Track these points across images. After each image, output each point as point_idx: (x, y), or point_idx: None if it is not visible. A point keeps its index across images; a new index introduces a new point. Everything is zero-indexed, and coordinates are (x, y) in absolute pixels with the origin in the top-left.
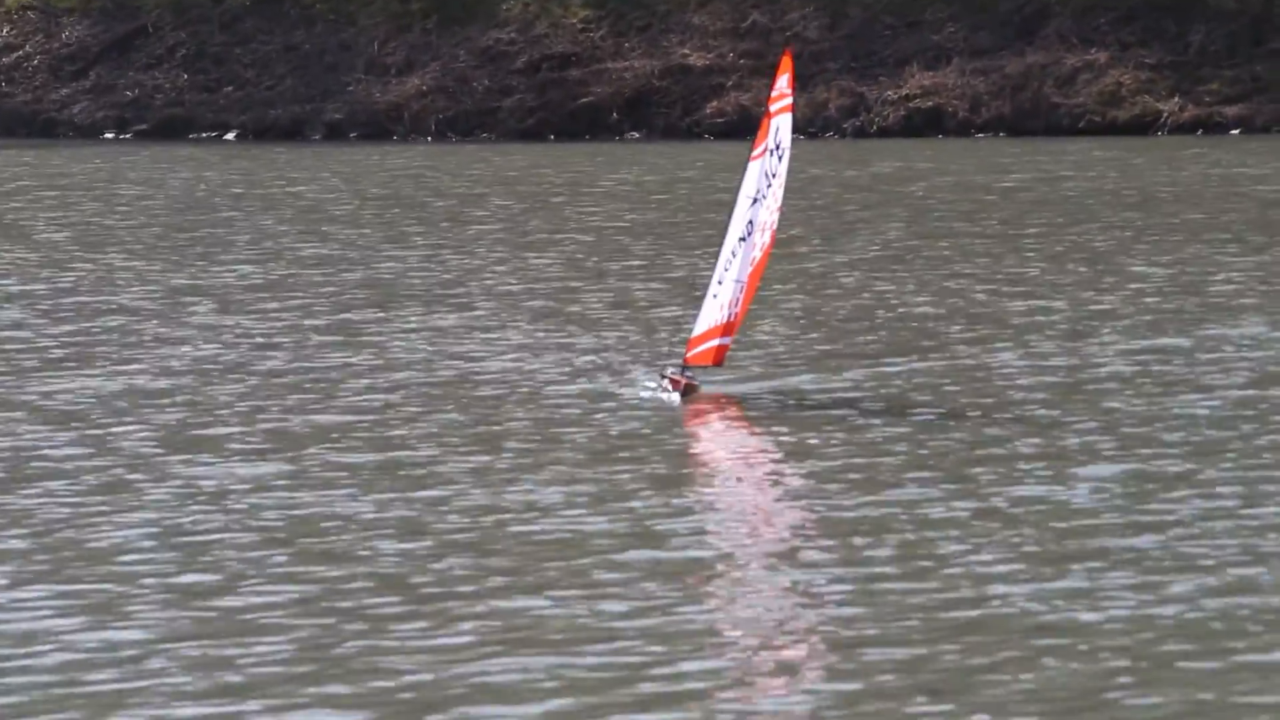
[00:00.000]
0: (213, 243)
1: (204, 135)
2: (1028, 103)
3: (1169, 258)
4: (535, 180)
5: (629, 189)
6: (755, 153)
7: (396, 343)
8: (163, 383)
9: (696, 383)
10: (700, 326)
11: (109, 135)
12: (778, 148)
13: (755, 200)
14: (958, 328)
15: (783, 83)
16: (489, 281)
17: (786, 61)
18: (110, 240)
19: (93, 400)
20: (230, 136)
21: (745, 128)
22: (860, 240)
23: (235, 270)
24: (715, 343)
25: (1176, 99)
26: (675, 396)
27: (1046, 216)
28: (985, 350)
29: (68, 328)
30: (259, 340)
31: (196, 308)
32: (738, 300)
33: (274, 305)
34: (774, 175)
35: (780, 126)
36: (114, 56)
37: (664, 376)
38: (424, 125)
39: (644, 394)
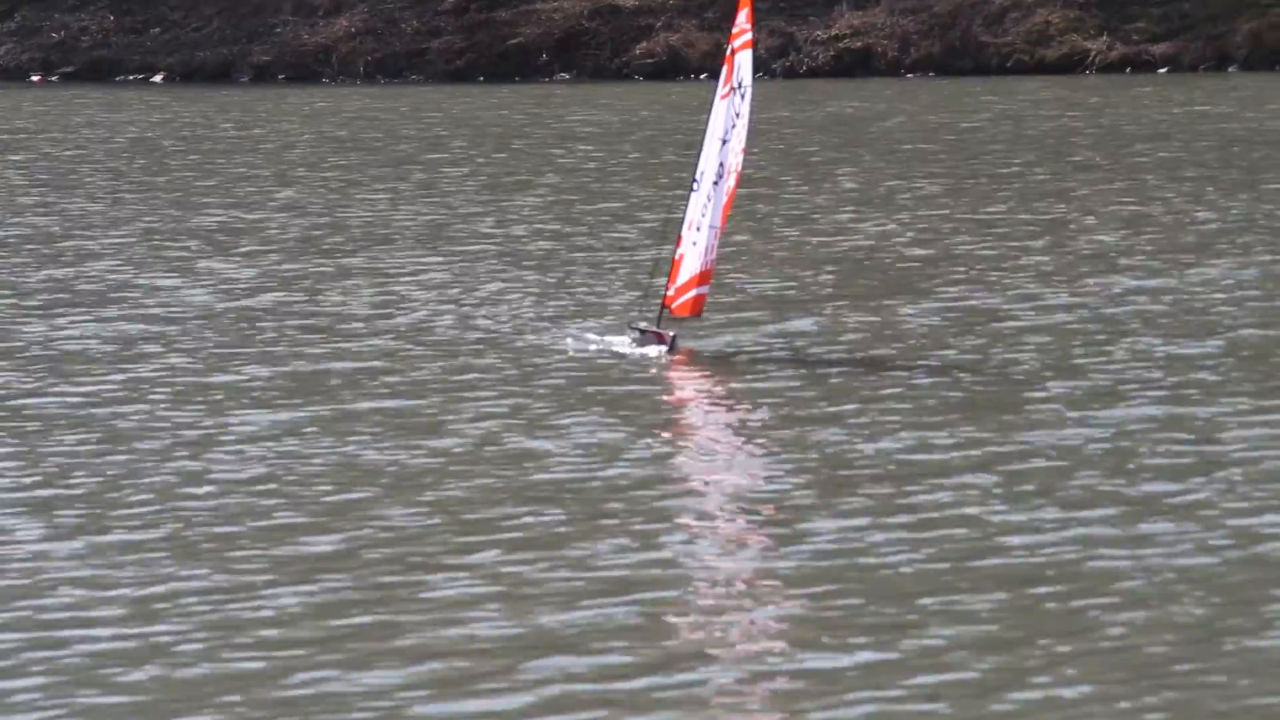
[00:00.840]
0: (183, 189)
1: (130, 78)
2: (957, 42)
3: (1149, 196)
4: (501, 122)
5: (595, 130)
6: (722, 92)
7: (379, 290)
8: (158, 329)
9: (674, 334)
10: (683, 276)
11: (34, 78)
12: (740, 85)
13: (724, 141)
14: (947, 271)
15: (742, 18)
16: (472, 228)
17: None
18: (76, 185)
19: (77, 346)
20: (157, 79)
21: (675, 68)
22: (834, 183)
23: (214, 216)
24: (694, 292)
25: (1104, 37)
26: (663, 349)
27: (1023, 157)
28: (973, 293)
29: (47, 272)
30: (242, 287)
31: (182, 253)
32: (712, 247)
33: (256, 251)
34: (738, 115)
35: (742, 64)
36: None
37: (641, 331)
38: (352, 67)
39: (625, 350)
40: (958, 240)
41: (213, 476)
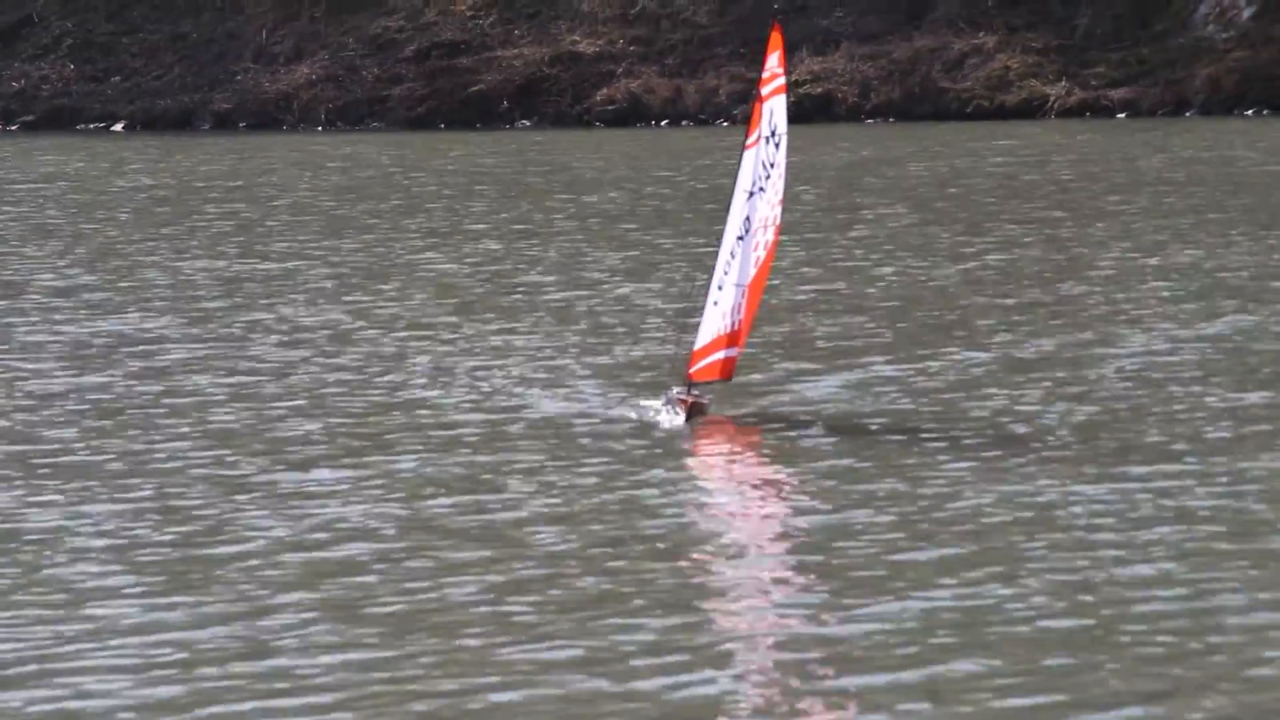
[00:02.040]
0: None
1: (91, 126)
2: (916, 88)
3: (1185, 242)
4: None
5: (606, 177)
6: (749, 141)
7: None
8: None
9: (705, 400)
10: (703, 338)
11: None
12: (773, 134)
13: (751, 194)
14: (980, 319)
15: (773, 61)
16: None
17: (776, 37)
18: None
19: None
20: (118, 127)
21: (636, 115)
22: (859, 230)
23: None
24: (721, 355)
25: (1063, 83)
26: (680, 418)
27: (1045, 203)
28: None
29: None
30: (247, 336)
31: (185, 303)
32: (740, 306)
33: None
34: (772, 165)
35: (774, 110)
36: None
37: (670, 399)
38: (313, 115)
39: (649, 416)
40: (984, 288)
41: (238, 534)
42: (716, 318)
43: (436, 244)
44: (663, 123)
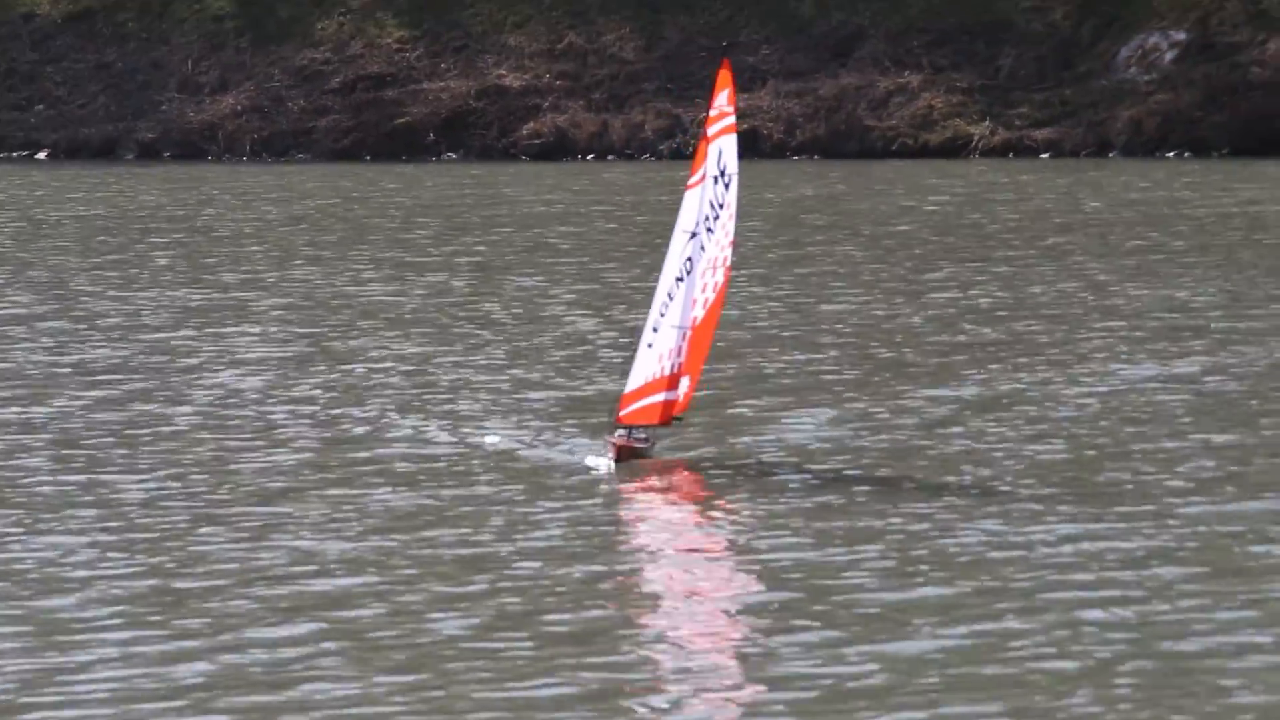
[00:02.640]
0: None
1: (14, 155)
2: (842, 125)
3: (1138, 281)
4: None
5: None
6: (692, 180)
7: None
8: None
9: (643, 444)
10: (634, 381)
11: None
12: (723, 174)
13: (694, 234)
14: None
15: (722, 100)
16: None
17: (725, 75)
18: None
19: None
20: (41, 156)
21: (561, 149)
22: (810, 267)
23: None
24: (661, 398)
25: (987, 123)
26: (609, 461)
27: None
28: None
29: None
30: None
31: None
32: (681, 349)
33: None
34: (721, 205)
35: (724, 150)
36: None
37: (607, 441)
38: (239, 145)
39: (578, 457)
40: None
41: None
42: (651, 360)
43: (387, 276)
44: (589, 157)
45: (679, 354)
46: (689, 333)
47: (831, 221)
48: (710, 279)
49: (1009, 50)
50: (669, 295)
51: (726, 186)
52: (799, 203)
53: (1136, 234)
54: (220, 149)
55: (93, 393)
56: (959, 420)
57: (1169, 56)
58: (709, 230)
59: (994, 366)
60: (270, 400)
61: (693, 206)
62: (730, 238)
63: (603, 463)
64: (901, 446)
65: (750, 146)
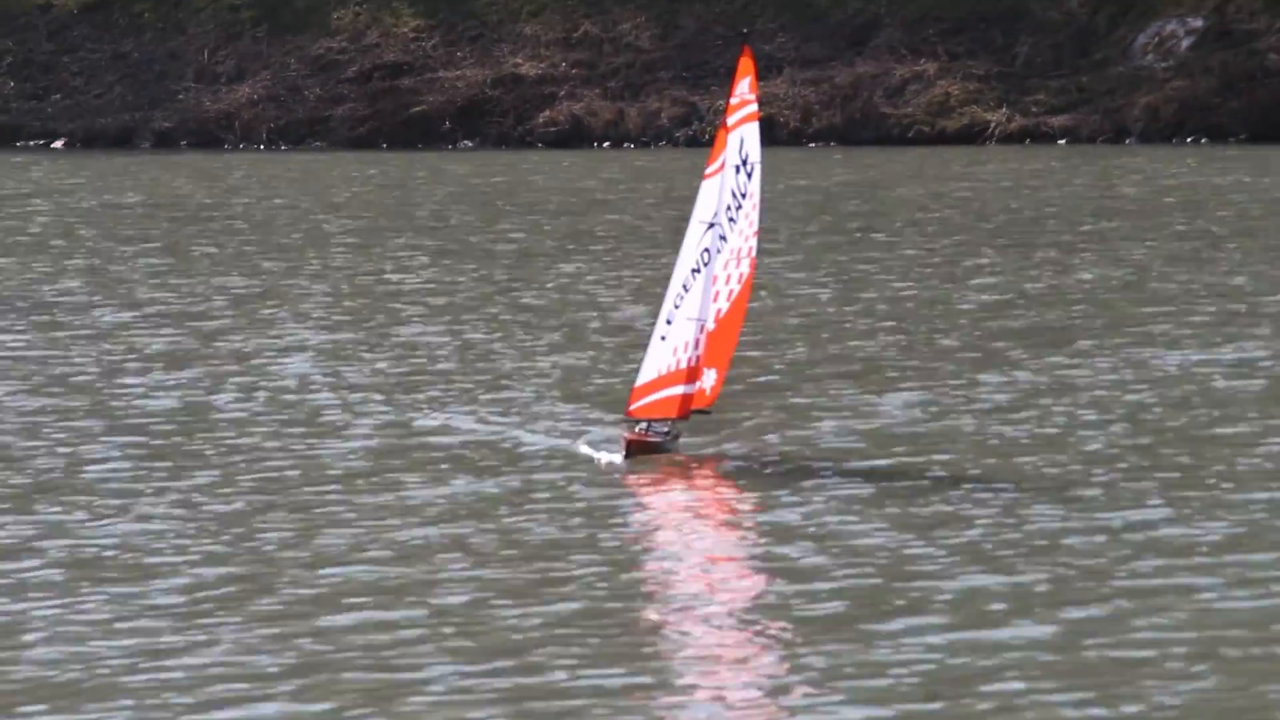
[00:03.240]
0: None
1: (31, 144)
2: (858, 113)
3: (1196, 266)
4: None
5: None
6: (709, 170)
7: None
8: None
9: (665, 438)
10: (646, 374)
11: None
12: (744, 163)
13: (712, 225)
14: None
15: (743, 87)
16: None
17: (747, 63)
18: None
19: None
20: (58, 145)
21: (578, 137)
22: (867, 253)
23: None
24: (677, 391)
25: (1004, 109)
26: (614, 458)
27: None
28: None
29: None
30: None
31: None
32: (699, 341)
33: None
34: (744, 195)
35: (745, 138)
36: None
37: (622, 436)
38: (255, 134)
39: (592, 450)
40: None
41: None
42: (665, 353)
43: (431, 262)
44: (604, 145)
45: (696, 347)
46: (708, 325)
47: (871, 208)
48: (734, 270)
49: (1025, 37)
50: (684, 287)
51: (749, 175)
52: (831, 190)
53: (1179, 219)
54: (237, 138)
55: (151, 380)
56: (1018, 406)
57: (1186, 43)
58: (731, 220)
59: (1048, 352)
60: (326, 387)
61: (711, 196)
62: (754, 228)
63: (612, 457)
64: (962, 432)
65: (766, 134)
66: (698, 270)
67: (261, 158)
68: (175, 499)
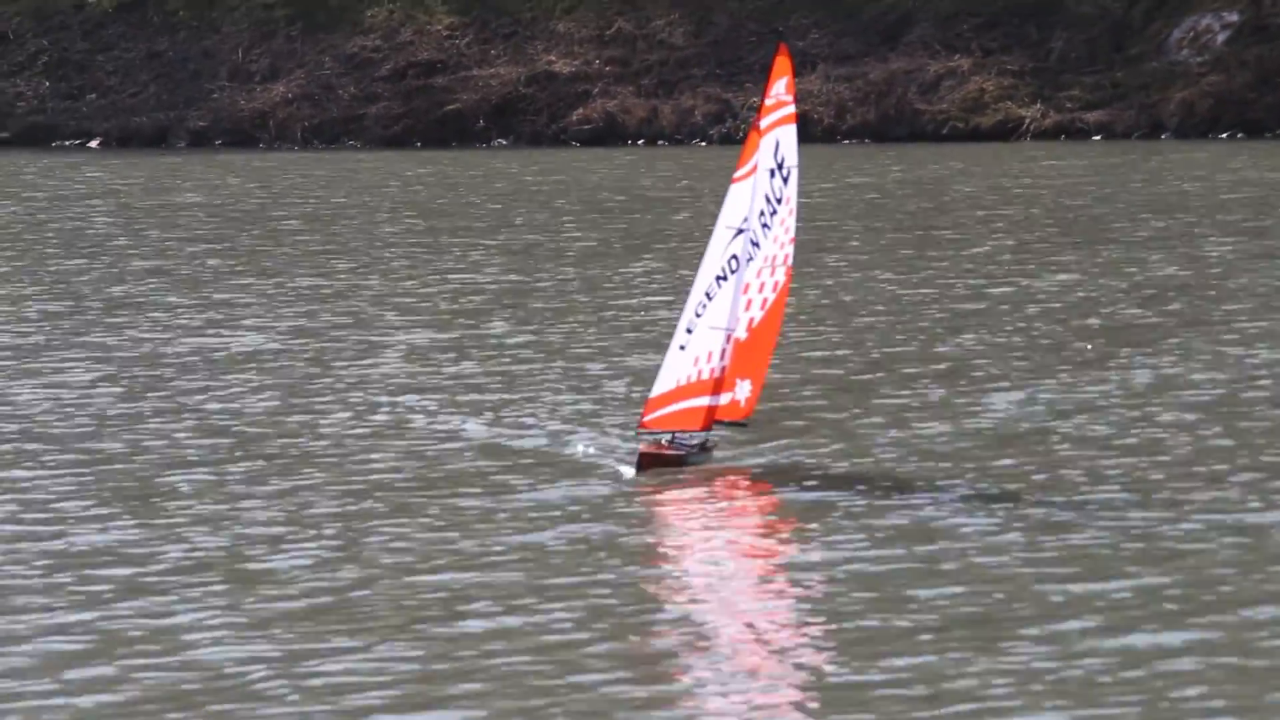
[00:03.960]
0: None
1: (67, 143)
2: (892, 109)
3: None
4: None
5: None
6: (739, 174)
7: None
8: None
9: (691, 450)
10: (663, 385)
11: None
12: (780, 166)
13: (741, 230)
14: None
15: (780, 88)
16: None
17: (784, 62)
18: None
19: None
20: (94, 144)
21: (612, 134)
22: (928, 249)
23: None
24: (700, 403)
25: (1038, 105)
26: (630, 468)
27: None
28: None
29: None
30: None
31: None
32: (725, 353)
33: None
34: (779, 200)
35: (781, 140)
36: None
37: (645, 445)
38: (289, 133)
39: (608, 461)
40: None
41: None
42: (684, 363)
43: (509, 262)
44: (639, 142)
45: (722, 358)
46: (737, 335)
47: (937, 204)
48: (768, 279)
49: (1060, 32)
50: (707, 295)
51: (785, 180)
52: (885, 188)
53: (1249, 215)
54: (271, 137)
55: (242, 379)
56: (1115, 406)
57: (1221, 38)
58: (764, 227)
59: (1135, 349)
60: (416, 390)
61: (741, 201)
62: (790, 235)
63: (624, 469)
64: (1062, 431)
65: (800, 131)
66: (723, 278)
67: (304, 157)
68: (277, 502)
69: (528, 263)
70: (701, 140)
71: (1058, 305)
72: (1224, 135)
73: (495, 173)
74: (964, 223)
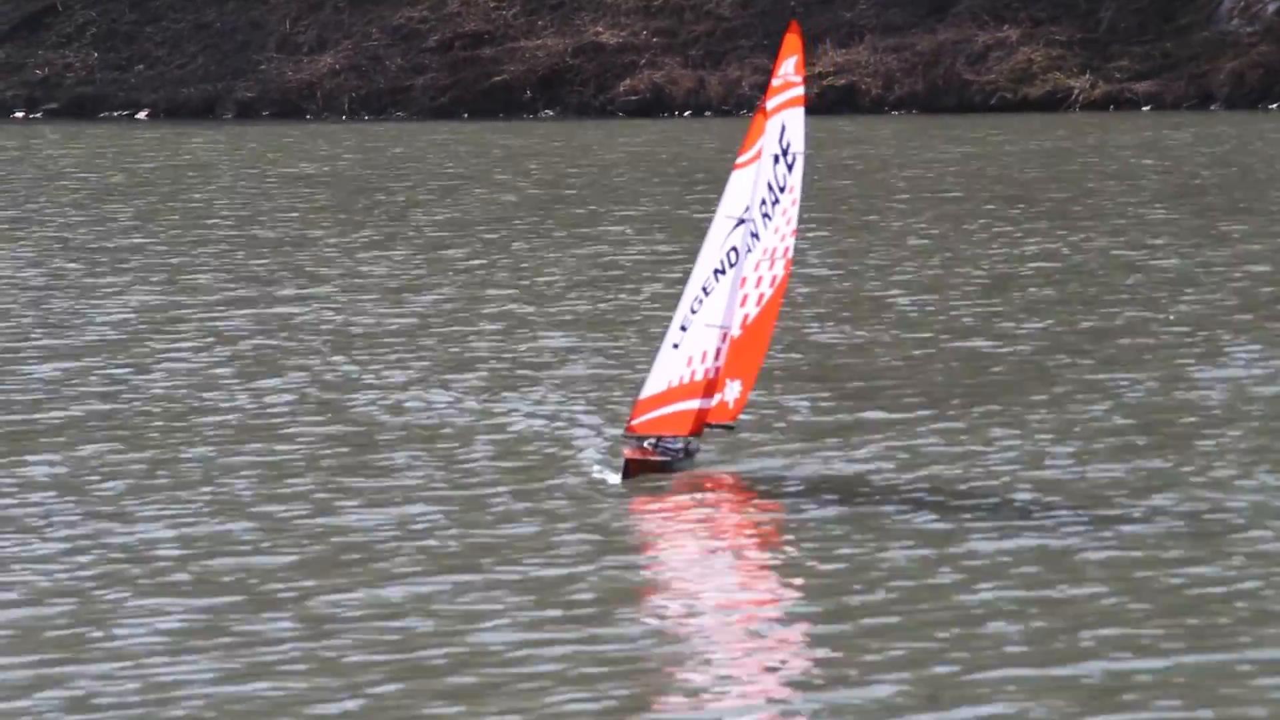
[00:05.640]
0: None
1: (115, 114)
2: (940, 80)
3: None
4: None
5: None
6: (741, 159)
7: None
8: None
9: (675, 456)
10: (654, 386)
11: (18, 114)
12: (785, 152)
13: (742, 221)
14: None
15: (788, 67)
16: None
17: (794, 39)
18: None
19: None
20: (142, 115)
21: (658, 105)
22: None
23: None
24: (690, 405)
25: (1087, 76)
26: (615, 475)
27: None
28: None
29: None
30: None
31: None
32: (720, 352)
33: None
34: (782, 189)
35: (788, 124)
36: (24, 35)
37: (631, 449)
38: (337, 104)
39: (592, 468)
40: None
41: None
42: (677, 363)
43: (636, 236)
44: (686, 113)
45: (717, 356)
46: (732, 332)
47: (1033, 179)
48: (766, 272)
49: (1109, 3)
50: (704, 289)
51: (790, 167)
52: (955, 161)
53: None
54: (319, 108)
55: (374, 354)
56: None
57: (1272, 8)
58: (765, 217)
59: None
60: (570, 361)
61: (743, 189)
62: (792, 226)
63: (609, 477)
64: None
65: (848, 102)
66: (722, 271)
67: (371, 128)
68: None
69: (672, 235)
70: (749, 111)
71: (1176, 286)
72: (1274, 106)
73: (610, 144)
74: (1071, 193)
